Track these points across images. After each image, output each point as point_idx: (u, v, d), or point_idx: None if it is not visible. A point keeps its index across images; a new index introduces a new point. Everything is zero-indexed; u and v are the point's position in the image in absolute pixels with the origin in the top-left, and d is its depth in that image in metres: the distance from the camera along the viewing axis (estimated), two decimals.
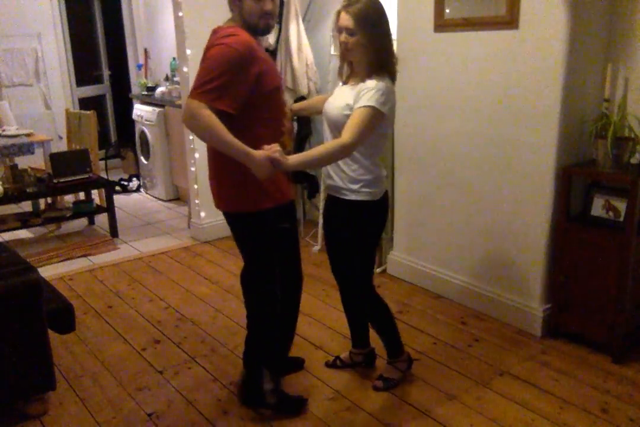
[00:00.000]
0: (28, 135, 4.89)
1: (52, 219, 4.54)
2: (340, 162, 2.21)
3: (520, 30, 2.71)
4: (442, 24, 3.04)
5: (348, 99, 2.16)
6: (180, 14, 3.88)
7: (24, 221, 4.42)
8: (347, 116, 2.11)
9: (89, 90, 6.81)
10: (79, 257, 4.17)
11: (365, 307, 2.53)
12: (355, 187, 2.23)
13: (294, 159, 2.02)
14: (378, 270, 3.76)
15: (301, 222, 4.58)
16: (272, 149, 1.95)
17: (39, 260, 4.04)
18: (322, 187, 4.19)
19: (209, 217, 4.32)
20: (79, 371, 2.73)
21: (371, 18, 2.09)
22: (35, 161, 5.07)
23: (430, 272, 3.45)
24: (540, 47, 2.66)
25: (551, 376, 2.61)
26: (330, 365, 2.70)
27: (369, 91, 2.09)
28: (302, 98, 4.18)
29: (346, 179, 2.24)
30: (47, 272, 3.78)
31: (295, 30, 4.06)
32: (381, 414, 2.38)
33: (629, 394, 2.47)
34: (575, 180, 2.78)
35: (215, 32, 2.10)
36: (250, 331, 2.41)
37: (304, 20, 4.18)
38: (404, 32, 3.26)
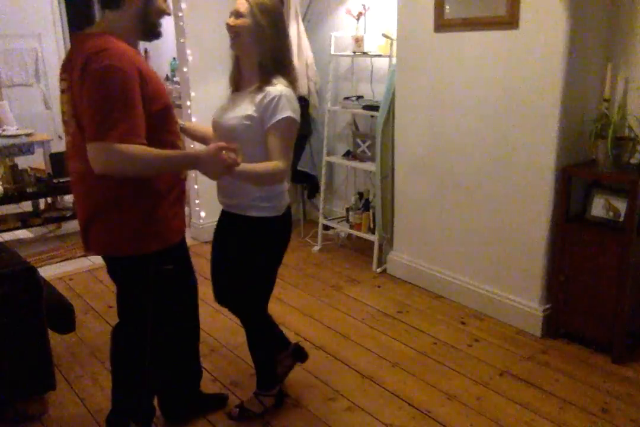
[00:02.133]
0: (28, 135, 4.90)
1: (52, 219, 4.54)
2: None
3: (520, 30, 2.71)
4: (442, 24, 3.04)
5: (248, 109, 1.95)
6: (180, 14, 3.88)
7: (24, 220, 4.41)
8: (248, 126, 1.95)
9: None
10: (79, 257, 4.17)
11: (251, 331, 2.29)
12: (257, 202, 2.03)
13: (241, 167, 1.79)
14: (378, 270, 3.77)
15: (301, 222, 4.58)
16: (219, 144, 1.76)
17: (39, 260, 4.04)
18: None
19: (209, 217, 4.32)
20: (79, 371, 2.73)
21: (267, 6, 1.94)
22: (35, 161, 5.07)
23: (430, 272, 3.45)
24: (540, 47, 2.66)
25: (551, 376, 2.61)
26: (277, 404, 2.40)
27: (278, 100, 1.92)
28: (302, 98, 4.18)
29: (248, 194, 2.03)
30: (47, 272, 3.78)
31: (295, 30, 4.05)
32: (381, 414, 2.38)
33: (629, 394, 2.47)
34: (575, 180, 2.78)
35: (80, 42, 1.73)
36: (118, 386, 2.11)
37: (304, 20, 4.18)
38: (404, 32, 3.26)
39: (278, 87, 1.95)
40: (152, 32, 1.82)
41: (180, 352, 2.25)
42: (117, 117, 1.60)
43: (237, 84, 2.10)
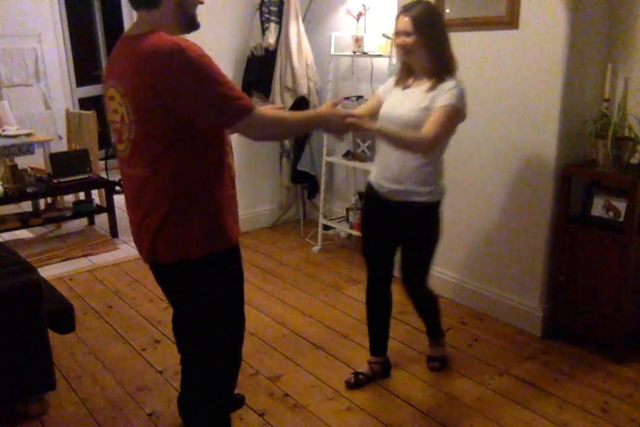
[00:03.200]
0: (28, 135, 4.89)
1: (52, 219, 4.54)
2: (416, 164, 2.24)
3: (520, 30, 2.71)
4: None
5: (424, 102, 2.17)
6: None
7: (24, 220, 4.41)
8: (425, 117, 2.14)
9: (89, 90, 6.80)
10: (79, 257, 4.17)
11: (424, 300, 2.64)
12: (427, 189, 2.29)
13: (383, 127, 2.09)
14: None
15: (301, 222, 4.58)
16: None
17: (39, 260, 4.04)
18: (322, 188, 4.19)
19: None
20: (79, 371, 2.73)
21: (428, 20, 2.13)
22: (35, 161, 5.07)
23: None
24: (540, 47, 2.66)
25: (551, 376, 2.61)
26: (354, 384, 2.52)
27: (450, 90, 2.12)
28: (302, 98, 4.19)
29: (418, 181, 2.27)
30: (47, 272, 3.77)
31: (295, 30, 4.06)
32: (381, 414, 2.38)
33: (629, 394, 2.47)
34: (575, 180, 2.78)
35: (129, 45, 1.68)
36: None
37: (304, 20, 4.18)
38: None
39: (454, 81, 2.17)
40: (192, 24, 1.78)
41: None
42: (237, 93, 1.64)
43: (405, 84, 2.30)
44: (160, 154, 1.68)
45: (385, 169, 2.33)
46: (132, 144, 1.71)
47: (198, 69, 1.57)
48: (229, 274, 1.90)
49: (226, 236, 1.81)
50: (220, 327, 1.94)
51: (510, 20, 2.73)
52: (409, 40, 2.13)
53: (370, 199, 2.45)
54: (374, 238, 2.48)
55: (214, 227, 1.78)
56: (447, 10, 3.00)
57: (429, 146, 2.12)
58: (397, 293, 3.47)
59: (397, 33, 2.18)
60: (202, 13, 1.84)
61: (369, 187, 2.44)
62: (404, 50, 2.18)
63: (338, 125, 1.88)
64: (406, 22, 2.12)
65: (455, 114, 2.13)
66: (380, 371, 2.60)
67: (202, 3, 1.78)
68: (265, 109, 1.76)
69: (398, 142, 2.12)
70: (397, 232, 2.40)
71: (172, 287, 1.96)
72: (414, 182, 2.27)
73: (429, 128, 2.09)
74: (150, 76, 1.58)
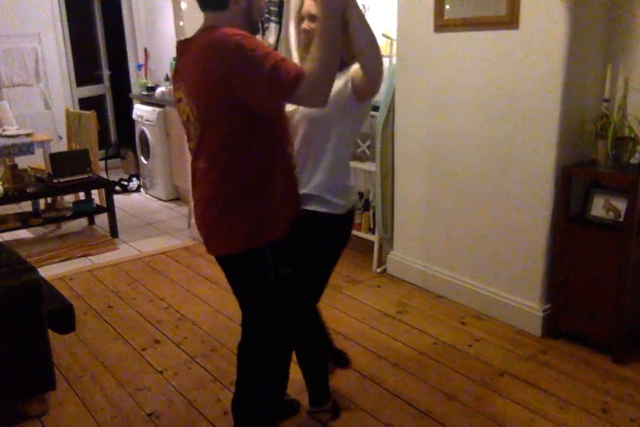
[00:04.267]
0: (28, 135, 4.89)
1: (52, 219, 4.54)
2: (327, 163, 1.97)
3: (520, 30, 2.71)
4: (442, 24, 3.04)
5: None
6: (180, 14, 3.88)
7: (24, 220, 4.41)
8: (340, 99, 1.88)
9: (89, 90, 6.81)
10: (79, 257, 4.17)
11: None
12: (334, 198, 1.99)
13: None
14: (378, 270, 3.77)
15: None
16: None
17: (39, 260, 4.04)
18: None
19: None
20: (79, 371, 2.73)
21: (337, 3, 1.81)
22: (35, 161, 5.07)
23: (430, 272, 3.45)
24: (540, 47, 2.66)
25: (551, 376, 2.61)
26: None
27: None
28: None
29: (327, 187, 1.98)
30: (47, 272, 3.78)
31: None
32: (381, 414, 2.38)
33: (629, 394, 2.47)
34: (575, 180, 2.78)
35: (188, 44, 1.77)
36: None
37: None
38: (404, 32, 3.26)
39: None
40: (254, 29, 1.82)
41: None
42: (278, 62, 1.60)
43: None
44: (219, 149, 1.76)
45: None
46: (197, 140, 1.80)
47: (242, 50, 1.60)
48: (279, 278, 1.96)
49: (270, 232, 1.86)
50: (272, 321, 1.97)
51: (510, 20, 2.73)
52: (314, 25, 1.86)
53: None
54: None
55: (262, 223, 1.83)
56: (447, 10, 3.00)
57: (380, 62, 1.80)
58: (396, 293, 3.48)
59: (302, 17, 1.93)
60: (202, 13, 1.85)
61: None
62: (310, 36, 1.87)
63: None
64: (311, 3, 1.88)
65: None
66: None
67: (264, 9, 1.81)
68: (302, 65, 1.67)
69: (368, 32, 1.74)
70: None
71: (228, 277, 1.99)
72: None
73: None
74: (208, 68, 1.65)
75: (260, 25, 1.87)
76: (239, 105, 1.68)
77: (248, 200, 1.80)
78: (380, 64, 1.79)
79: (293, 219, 1.94)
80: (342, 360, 2.47)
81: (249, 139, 1.75)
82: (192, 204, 4.30)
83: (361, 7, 3.90)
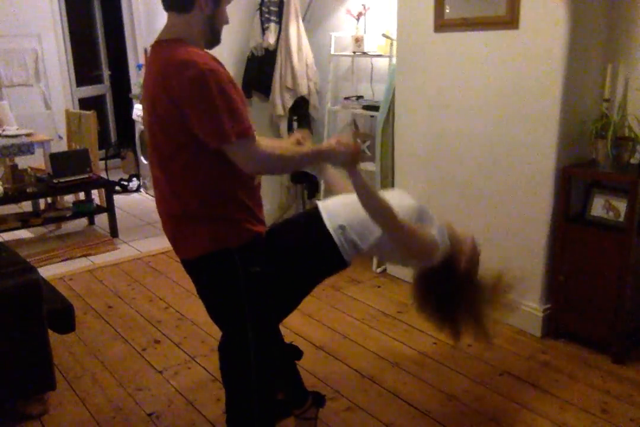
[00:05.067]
0: (28, 135, 4.89)
1: (52, 219, 4.54)
2: None
3: (520, 30, 2.71)
4: (442, 24, 3.04)
5: None
6: None
7: (24, 221, 4.41)
8: None
9: (89, 90, 6.81)
10: (79, 257, 4.17)
11: None
12: None
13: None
14: (378, 270, 3.77)
15: None
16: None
17: (39, 260, 4.04)
18: (322, 187, 4.20)
19: None
20: (79, 371, 2.73)
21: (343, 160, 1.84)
22: (35, 161, 5.07)
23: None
24: (540, 47, 2.66)
25: (551, 376, 2.61)
26: None
27: None
28: (302, 98, 4.19)
29: None
30: (47, 272, 3.78)
31: (295, 30, 4.06)
32: (381, 414, 2.38)
33: (629, 394, 2.47)
34: (575, 180, 2.78)
35: (158, 51, 1.73)
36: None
37: (304, 20, 4.18)
38: (404, 32, 3.26)
39: None
40: (216, 39, 1.81)
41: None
42: (238, 112, 1.63)
43: None
44: (171, 156, 1.73)
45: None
46: (150, 145, 1.80)
47: (203, 83, 1.60)
48: (249, 276, 1.87)
49: (237, 234, 1.82)
50: (245, 329, 1.91)
51: (510, 20, 2.73)
52: None
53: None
54: None
55: (221, 225, 1.81)
56: (447, 10, 3.00)
57: (392, 227, 1.82)
58: (396, 293, 3.48)
59: None
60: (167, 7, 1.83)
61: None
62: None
63: (346, 161, 1.76)
64: None
65: (432, 242, 1.92)
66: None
67: (227, 23, 1.82)
68: (265, 142, 1.71)
69: (372, 199, 1.78)
70: None
71: (195, 282, 2.03)
72: None
73: None
74: (167, 82, 1.64)
75: (220, 38, 1.84)
76: (186, 127, 1.67)
77: (203, 207, 1.78)
78: (391, 229, 1.81)
79: (261, 222, 1.90)
80: (296, 353, 2.39)
81: (199, 145, 1.71)
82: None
83: (361, 9, 3.88)
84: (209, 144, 1.67)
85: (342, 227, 1.88)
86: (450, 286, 1.94)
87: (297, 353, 2.36)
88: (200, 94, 1.60)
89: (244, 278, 1.84)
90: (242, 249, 1.82)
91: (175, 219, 1.86)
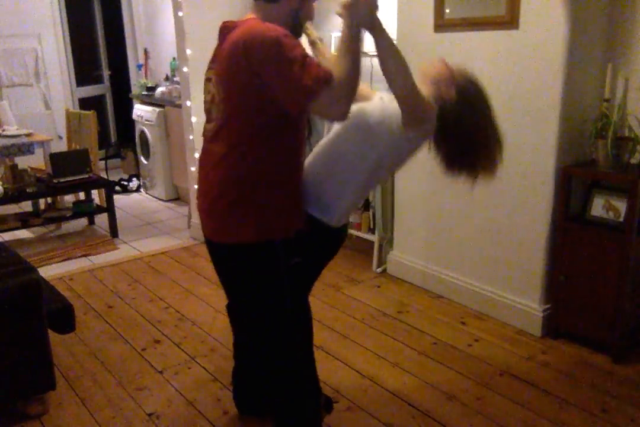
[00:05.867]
0: (28, 135, 4.90)
1: (52, 219, 4.54)
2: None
3: (520, 30, 2.71)
4: (442, 24, 3.04)
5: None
6: (180, 14, 3.87)
7: (24, 221, 4.41)
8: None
9: (89, 90, 6.81)
10: (79, 257, 4.17)
11: None
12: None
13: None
14: (378, 270, 3.77)
15: None
16: None
17: (39, 260, 4.04)
18: None
19: None
20: (79, 371, 2.73)
21: (468, 83, 1.94)
22: (35, 161, 5.07)
23: (430, 272, 3.45)
24: (540, 47, 2.66)
25: (551, 376, 2.61)
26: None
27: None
28: None
29: None
30: (47, 272, 3.78)
31: None
32: (381, 414, 2.38)
33: (629, 394, 2.47)
34: (575, 180, 2.78)
35: (230, 29, 1.78)
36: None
37: None
38: (404, 32, 3.26)
39: None
40: (297, 33, 1.82)
41: None
42: (308, 67, 1.59)
43: None
44: (240, 135, 1.76)
45: None
46: (219, 122, 1.79)
47: (279, 47, 1.60)
48: (288, 267, 1.91)
49: (284, 227, 1.85)
50: (276, 320, 1.95)
51: (510, 20, 2.73)
52: None
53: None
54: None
55: (274, 215, 1.83)
56: (447, 10, 3.00)
57: (410, 91, 1.74)
58: (396, 293, 3.48)
59: None
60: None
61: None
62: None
63: (366, 12, 1.66)
64: None
65: (431, 107, 1.85)
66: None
67: (312, 19, 1.86)
68: (328, 69, 1.65)
69: (399, 65, 1.72)
70: None
71: (226, 268, 1.98)
72: None
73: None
74: (244, 56, 1.64)
75: (301, 32, 1.88)
76: (268, 98, 1.68)
77: (260, 194, 1.79)
78: (409, 91, 1.71)
79: (302, 217, 1.93)
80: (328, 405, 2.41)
81: (274, 133, 1.75)
82: (193, 201, 4.32)
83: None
84: (291, 109, 1.67)
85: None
86: (459, 129, 1.89)
87: (329, 406, 2.36)
88: (277, 58, 1.61)
89: (284, 270, 1.89)
90: (285, 243, 1.86)
91: (222, 201, 1.81)
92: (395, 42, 1.82)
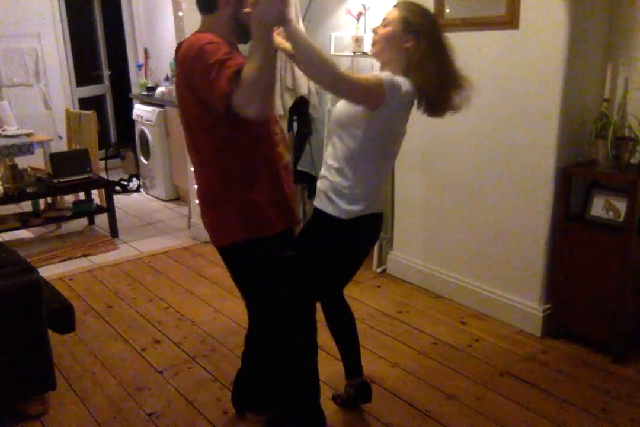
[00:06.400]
0: (28, 135, 4.90)
1: (52, 219, 4.54)
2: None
3: (520, 30, 2.71)
4: (442, 24, 3.01)
5: None
6: (180, 14, 3.87)
7: (24, 221, 4.41)
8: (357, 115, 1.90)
9: (89, 90, 6.81)
10: (79, 257, 4.17)
11: None
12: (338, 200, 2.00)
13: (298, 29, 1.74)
14: (378, 270, 3.77)
15: (301, 222, 4.57)
16: None
17: (39, 260, 4.04)
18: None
19: None
20: (79, 371, 2.73)
21: (420, 22, 1.89)
22: (35, 161, 5.07)
23: (430, 272, 3.45)
24: (540, 47, 2.66)
25: (551, 376, 2.61)
26: (335, 401, 2.46)
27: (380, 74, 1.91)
28: (302, 98, 4.18)
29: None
30: (47, 272, 3.77)
31: None
32: (381, 414, 2.38)
33: (629, 394, 2.47)
34: (575, 180, 2.78)
35: (182, 43, 1.86)
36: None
37: (304, 20, 4.17)
38: None
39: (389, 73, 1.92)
40: (245, 34, 1.85)
41: None
42: (224, 70, 1.65)
43: None
44: (208, 149, 1.85)
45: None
46: (187, 139, 1.92)
47: (202, 56, 1.69)
48: (282, 261, 1.98)
49: (264, 225, 1.92)
50: (275, 314, 2.02)
51: (510, 20, 2.73)
52: (383, 30, 1.95)
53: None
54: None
55: (251, 216, 1.90)
56: (447, 10, 3.00)
57: (335, 78, 1.76)
58: (396, 293, 3.48)
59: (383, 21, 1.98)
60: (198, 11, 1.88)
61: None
62: (372, 44, 2.02)
63: (274, 9, 1.63)
64: (394, 11, 1.94)
65: (373, 84, 1.82)
66: (354, 395, 2.40)
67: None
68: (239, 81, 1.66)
69: (308, 52, 1.75)
70: None
71: (230, 269, 2.08)
72: None
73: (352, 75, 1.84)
74: (182, 73, 1.79)
75: (250, 31, 1.86)
76: (211, 108, 1.74)
77: (237, 198, 1.87)
78: (319, 77, 1.81)
79: (291, 212, 2.02)
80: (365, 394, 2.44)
81: (240, 143, 1.82)
82: (193, 201, 4.32)
83: (361, 9, 3.88)
84: (223, 111, 1.70)
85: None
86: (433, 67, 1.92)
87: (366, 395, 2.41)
88: (200, 66, 1.69)
89: (278, 262, 1.96)
90: (275, 237, 1.93)
91: (206, 205, 1.95)
92: None
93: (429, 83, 1.90)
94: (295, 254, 2.02)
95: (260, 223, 1.91)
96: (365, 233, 2.06)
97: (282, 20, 1.66)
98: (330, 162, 2.02)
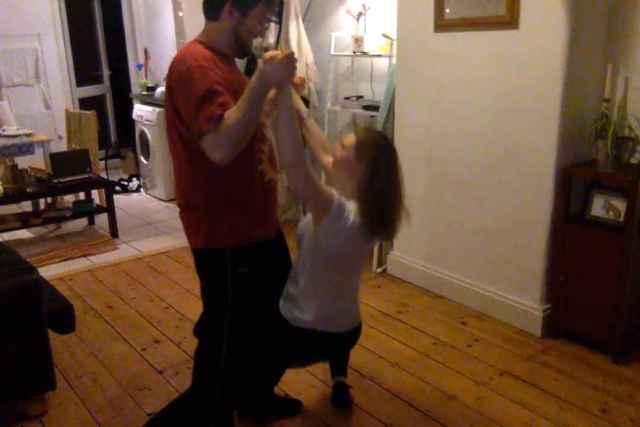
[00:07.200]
0: (28, 135, 4.89)
1: (52, 219, 4.54)
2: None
3: (520, 30, 2.71)
4: (442, 24, 3.04)
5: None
6: (180, 14, 3.88)
7: (24, 221, 4.42)
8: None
9: (89, 90, 6.81)
10: (79, 257, 4.17)
11: None
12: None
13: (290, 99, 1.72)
14: (378, 270, 3.77)
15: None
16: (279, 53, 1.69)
17: (39, 260, 4.04)
18: None
19: None
20: (79, 371, 2.73)
21: (371, 151, 1.90)
22: (35, 161, 5.07)
23: (430, 272, 3.45)
24: (540, 47, 2.66)
25: (551, 376, 2.61)
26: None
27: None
28: (303, 99, 4.18)
29: None
30: (47, 272, 3.77)
31: (295, 30, 4.06)
32: (381, 414, 2.38)
33: (629, 394, 2.47)
34: (575, 180, 2.78)
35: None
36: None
37: (304, 20, 4.18)
38: (404, 32, 3.26)
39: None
40: (242, 49, 1.89)
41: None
42: (205, 105, 1.64)
43: None
44: (186, 159, 1.84)
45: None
46: (169, 146, 1.92)
47: (185, 79, 1.70)
48: (236, 276, 1.93)
49: (234, 236, 1.89)
50: (226, 325, 2.01)
51: (510, 20, 2.73)
52: (341, 152, 1.94)
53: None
54: None
55: (224, 225, 1.87)
56: (447, 10, 3.00)
57: (296, 159, 1.74)
58: (396, 293, 3.48)
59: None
60: (202, 13, 1.87)
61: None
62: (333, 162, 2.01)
63: (281, 76, 1.67)
64: (351, 137, 1.93)
65: (329, 194, 1.83)
66: (331, 394, 2.44)
67: (258, 36, 1.91)
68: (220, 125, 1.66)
69: (292, 122, 1.73)
70: None
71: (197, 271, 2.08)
72: None
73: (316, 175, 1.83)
74: (169, 79, 1.80)
75: (249, 49, 1.92)
76: (182, 124, 1.77)
77: (207, 205, 1.87)
78: (287, 149, 1.73)
79: (264, 227, 1.97)
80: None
81: (207, 157, 1.73)
82: None
83: (361, 9, 3.88)
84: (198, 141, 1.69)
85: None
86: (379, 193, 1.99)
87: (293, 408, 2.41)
88: (184, 87, 1.70)
89: (231, 276, 1.92)
90: (236, 250, 1.90)
91: (181, 207, 1.96)
92: (394, 42, 1.83)
93: (368, 211, 1.92)
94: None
95: (226, 235, 1.88)
96: (312, 347, 2.06)
97: (284, 84, 1.69)
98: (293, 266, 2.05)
